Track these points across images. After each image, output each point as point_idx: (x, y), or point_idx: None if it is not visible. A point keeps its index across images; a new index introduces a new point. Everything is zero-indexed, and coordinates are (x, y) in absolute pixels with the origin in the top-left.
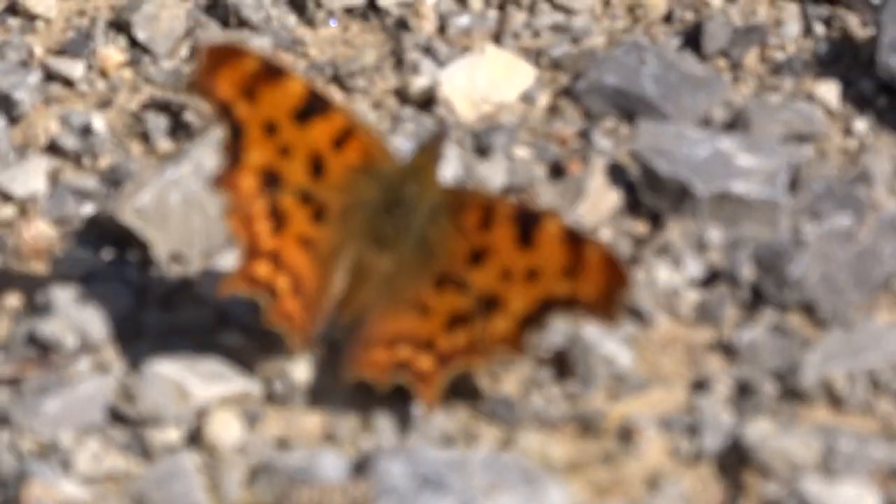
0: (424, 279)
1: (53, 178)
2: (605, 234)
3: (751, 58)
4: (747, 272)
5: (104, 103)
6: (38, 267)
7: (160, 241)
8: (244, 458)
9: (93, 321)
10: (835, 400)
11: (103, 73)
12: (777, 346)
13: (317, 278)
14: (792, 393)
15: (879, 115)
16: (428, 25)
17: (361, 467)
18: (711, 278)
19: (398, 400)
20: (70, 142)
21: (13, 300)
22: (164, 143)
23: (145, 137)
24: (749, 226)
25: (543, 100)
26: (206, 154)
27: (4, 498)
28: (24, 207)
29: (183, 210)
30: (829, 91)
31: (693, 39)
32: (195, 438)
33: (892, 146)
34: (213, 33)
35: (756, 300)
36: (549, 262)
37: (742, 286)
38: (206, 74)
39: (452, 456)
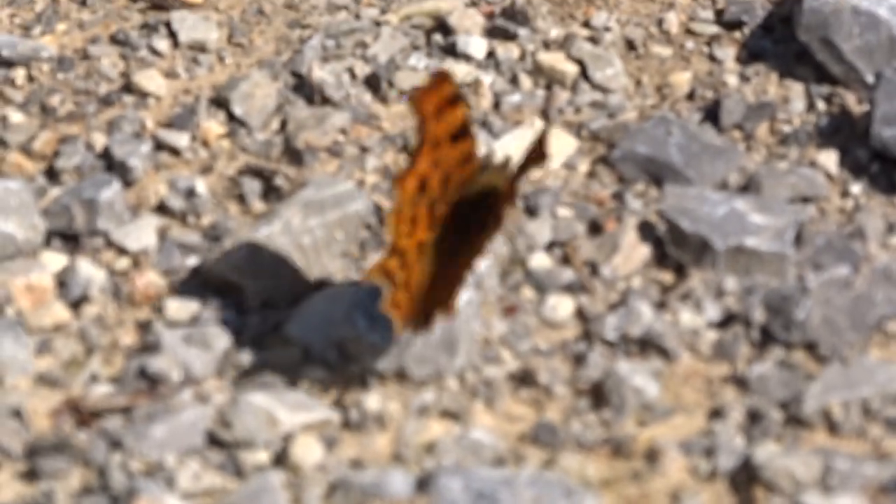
0: None
1: (162, 235)
2: (636, 283)
3: (762, 130)
4: (758, 315)
5: (206, 169)
6: (149, 311)
7: (254, 290)
8: (324, 476)
9: (195, 358)
10: (832, 426)
11: (205, 143)
12: (783, 379)
13: (419, 275)
14: (795, 420)
15: (873, 179)
16: (485, 102)
17: (424, 484)
18: (727, 320)
19: (457, 425)
20: (177, 203)
21: (127, 339)
22: (258, 204)
23: (241, 199)
24: (760, 275)
25: (583, 166)
26: (294, 214)
27: None
28: (137, 260)
29: (273, 262)
30: (829, 159)
31: (712, 114)
32: (281, 459)
33: (884, 206)
34: (300, 109)
35: (766, 339)
36: None
37: (754, 327)
38: (422, 92)
39: (503, 474)
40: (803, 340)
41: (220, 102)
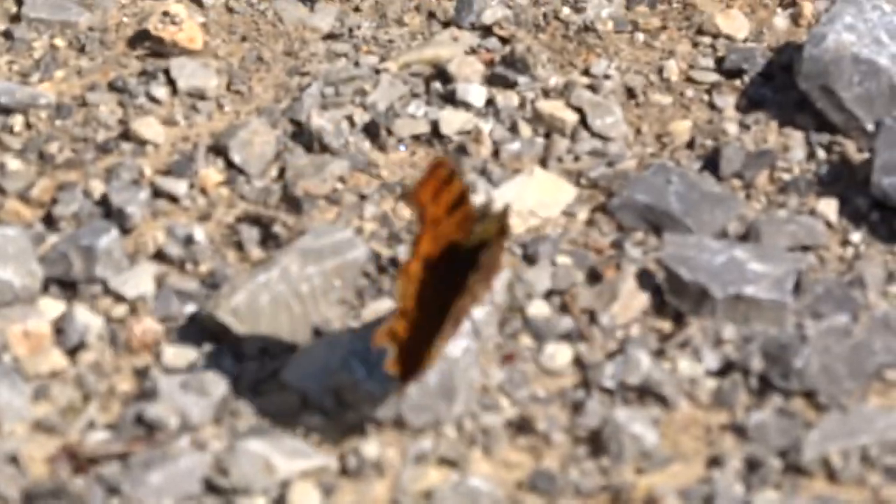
0: None
1: (160, 282)
2: (635, 331)
3: (762, 178)
4: (757, 363)
5: (204, 217)
6: (146, 358)
7: (252, 337)
8: None
9: (193, 405)
10: (831, 474)
11: (203, 191)
12: (782, 427)
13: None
14: (794, 468)
15: (872, 227)
16: (484, 150)
17: None
18: (726, 368)
19: (454, 472)
20: (175, 250)
21: (124, 386)
22: (256, 252)
23: (240, 247)
24: (759, 323)
25: (583, 214)
26: (292, 261)
27: None
28: (135, 307)
29: (272, 310)
30: (828, 207)
31: (712, 162)
32: None
33: (883, 254)
34: (299, 157)
35: (764, 387)
36: None
37: (752, 375)
38: (419, 185)
39: None
40: (802, 388)
41: (218, 150)
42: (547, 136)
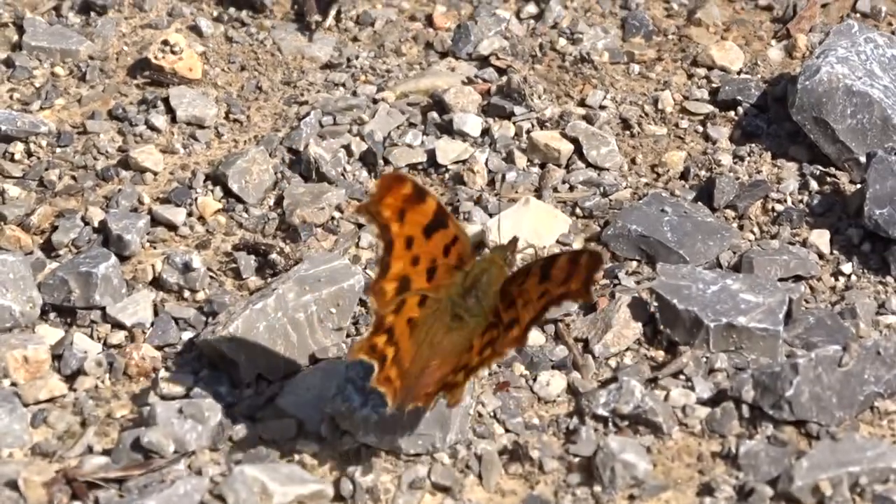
0: (477, 334)
1: (158, 309)
2: (628, 359)
3: (755, 209)
4: (749, 392)
5: (202, 244)
6: (144, 384)
7: (248, 363)
8: None
9: (190, 431)
10: (822, 502)
11: (201, 219)
12: (773, 456)
13: (410, 350)
14: (785, 496)
15: (864, 258)
16: (480, 180)
17: None
18: (718, 397)
19: (449, 498)
20: (172, 277)
21: (122, 411)
22: (254, 279)
23: (237, 274)
24: (751, 353)
25: (577, 244)
26: (289, 289)
27: None
28: (133, 334)
29: (268, 337)
30: (821, 238)
31: (706, 193)
32: None
33: (874, 285)
34: (296, 186)
35: (756, 416)
36: (556, 281)
37: (744, 404)
38: (375, 201)
39: None
40: (793, 417)
41: (216, 178)
42: (542, 166)
